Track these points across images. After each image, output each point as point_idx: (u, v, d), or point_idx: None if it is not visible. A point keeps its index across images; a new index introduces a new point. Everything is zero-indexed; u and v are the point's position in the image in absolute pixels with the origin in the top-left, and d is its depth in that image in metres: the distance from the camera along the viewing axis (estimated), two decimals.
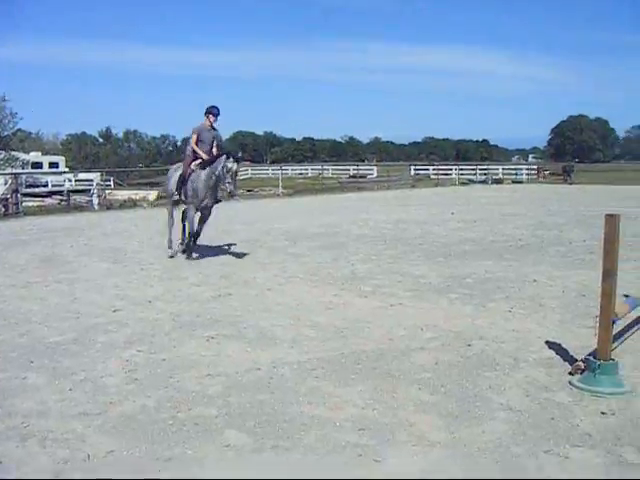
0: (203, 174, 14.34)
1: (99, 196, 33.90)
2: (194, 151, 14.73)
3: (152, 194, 38.80)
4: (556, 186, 53.40)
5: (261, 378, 6.96)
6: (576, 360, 7.21)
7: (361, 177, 68.20)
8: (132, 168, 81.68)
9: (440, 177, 62.18)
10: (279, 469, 4.97)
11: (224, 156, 14.19)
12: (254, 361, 7.52)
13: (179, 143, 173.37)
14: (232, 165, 13.96)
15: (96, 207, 32.22)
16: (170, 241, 15.60)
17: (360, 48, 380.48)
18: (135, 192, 39.69)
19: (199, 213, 15.09)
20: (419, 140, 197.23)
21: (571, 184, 55.45)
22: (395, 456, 5.16)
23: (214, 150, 14.86)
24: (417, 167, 73.02)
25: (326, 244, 17.39)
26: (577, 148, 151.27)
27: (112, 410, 6.14)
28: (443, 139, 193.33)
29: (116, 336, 8.63)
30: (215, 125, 14.94)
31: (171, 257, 15.25)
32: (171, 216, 15.86)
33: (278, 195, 42.42)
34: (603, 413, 6.04)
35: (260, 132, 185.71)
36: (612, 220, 6.64)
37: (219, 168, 14.04)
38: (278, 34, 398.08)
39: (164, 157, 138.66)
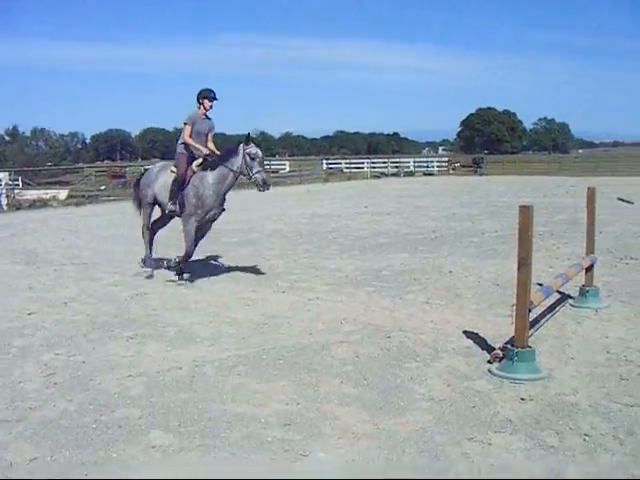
0: (210, 177, 11.58)
1: (8, 196, 33.07)
2: (188, 147, 11.95)
3: (62, 193, 38.06)
4: (467, 177, 54.25)
5: (183, 377, 6.92)
6: (494, 348, 7.38)
7: (273, 172, 67.99)
8: (41, 167, 79.96)
9: (352, 171, 62.42)
10: (206, 468, 4.95)
11: (240, 145, 11.53)
12: (175, 360, 7.46)
13: (88, 140, 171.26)
14: (257, 150, 11.49)
15: (5, 207, 31.41)
16: (149, 259, 12.95)
17: (270, 43, 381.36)
18: (45, 191, 38.73)
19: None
20: (330, 134, 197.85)
21: (481, 175, 56.47)
22: (321, 450, 5.19)
23: (210, 145, 12.11)
24: (329, 161, 73.09)
25: (241, 240, 17.34)
26: (486, 140, 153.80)
27: (33, 416, 6.00)
28: (354, 133, 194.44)
29: (32, 340, 8.44)
30: (209, 113, 12.17)
31: (149, 277, 12.36)
32: (148, 228, 12.98)
33: None
34: (522, 399, 6.18)
35: (170, 128, 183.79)
36: (526, 211, 6.79)
37: (239, 161, 11.46)
38: (184, 29, 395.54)
39: (73, 155, 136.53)
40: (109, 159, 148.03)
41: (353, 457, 5.07)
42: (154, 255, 13.11)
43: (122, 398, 6.37)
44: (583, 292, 9.87)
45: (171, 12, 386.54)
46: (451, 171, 63.00)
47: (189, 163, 11.84)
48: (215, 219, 12.08)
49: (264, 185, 11.47)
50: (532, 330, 7.74)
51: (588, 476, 4.75)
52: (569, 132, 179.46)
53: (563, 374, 6.83)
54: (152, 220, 13.10)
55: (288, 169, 71.58)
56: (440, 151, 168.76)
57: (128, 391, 6.55)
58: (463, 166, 66.01)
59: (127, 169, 64.43)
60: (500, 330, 8.24)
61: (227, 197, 11.98)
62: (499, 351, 7.13)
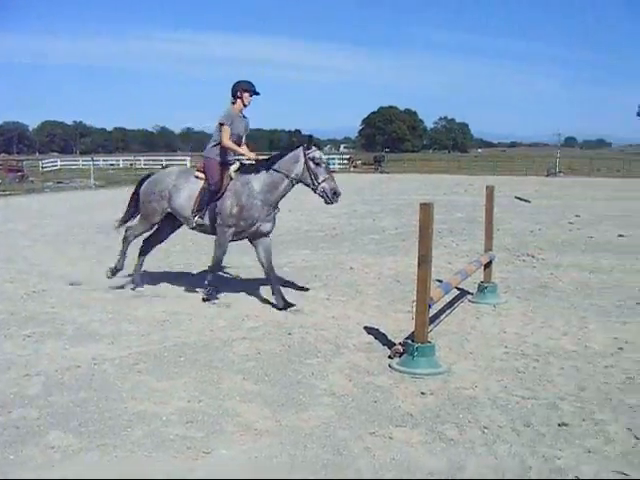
0: (256, 183, 9.81)
1: None
2: (224, 151, 10.10)
3: None
4: (368, 175, 54.90)
5: (82, 375, 6.77)
6: (395, 344, 7.45)
7: None
8: None
9: None
10: (107, 468, 4.86)
11: (299, 148, 9.72)
12: (74, 358, 7.29)
13: None
14: (320, 154, 9.79)
15: None
16: (117, 269, 10.91)
17: (172, 37, 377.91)
18: None
19: (256, 245, 10.12)
20: None
21: (382, 173, 57.15)
22: (224, 447, 5.16)
23: (245, 147, 10.36)
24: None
25: (141, 237, 17.04)
26: (387, 138, 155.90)
27: None
28: (256, 129, 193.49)
29: None
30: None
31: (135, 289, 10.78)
32: (134, 237, 11.10)
33: (90, 187, 41.43)
34: (422, 393, 6.27)
35: (69, 122, 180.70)
36: (426, 208, 6.88)
37: (299, 167, 9.63)
38: (83, 20, 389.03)
39: None
40: (5, 152, 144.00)
41: (255, 454, 5.05)
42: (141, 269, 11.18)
43: (19, 398, 6.19)
44: (481, 288, 10.07)
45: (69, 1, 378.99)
46: (352, 169, 63.58)
47: (223, 170, 10.04)
48: (269, 233, 10.07)
49: (334, 196, 9.58)
50: (432, 326, 7.85)
51: (488, 468, 4.84)
52: (469, 132, 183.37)
53: (462, 368, 6.96)
54: (149, 234, 11.26)
55: (189, 165, 71.22)
56: (342, 149, 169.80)
57: (26, 391, 6.37)
58: (364, 164, 66.84)
59: (24, 163, 63.02)
60: (400, 326, 8.34)
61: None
62: (399, 346, 7.21)
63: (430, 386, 6.44)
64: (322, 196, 9.60)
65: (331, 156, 79.19)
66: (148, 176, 11.11)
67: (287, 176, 9.67)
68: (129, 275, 11.11)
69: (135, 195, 11.02)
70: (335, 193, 9.52)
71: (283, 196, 9.92)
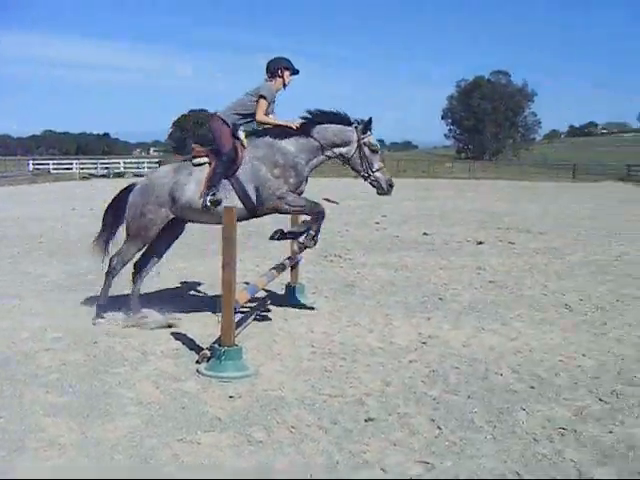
0: (289, 145, 8.63)
1: None
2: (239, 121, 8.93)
3: None
4: None
5: None
6: (202, 348, 7.42)
7: None
8: None
9: (61, 171, 61.19)
10: None
11: (351, 127, 8.78)
12: None
13: None
14: (375, 141, 8.87)
15: None
16: (100, 308, 9.31)
17: None
18: None
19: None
20: (38, 133, 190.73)
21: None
22: (26, 465, 4.97)
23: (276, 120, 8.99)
24: (36, 161, 71.41)
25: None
26: (198, 141, 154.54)
27: None
28: (63, 132, 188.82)
29: None
30: None
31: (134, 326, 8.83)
32: (116, 274, 9.53)
33: None
34: (231, 397, 6.30)
35: None
36: (230, 212, 6.92)
37: (348, 149, 8.78)
38: None
39: None
40: None
41: (59, 469, 4.90)
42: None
43: None
44: (289, 289, 10.19)
45: None
46: None
47: (234, 141, 8.78)
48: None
49: (390, 188, 8.85)
50: (240, 329, 7.87)
51: (296, 466, 4.90)
52: None
53: (270, 370, 7.04)
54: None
55: None
56: (152, 152, 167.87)
57: None
58: None
59: None
60: (208, 330, 8.32)
61: None
62: (207, 351, 7.22)
63: (238, 389, 6.47)
64: (375, 186, 8.83)
65: (140, 160, 78.70)
66: (127, 188, 9.51)
67: (323, 146, 8.83)
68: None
69: (113, 210, 9.67)
70: (391, 185, 8.80)
71: (314, 168, 9.11)
